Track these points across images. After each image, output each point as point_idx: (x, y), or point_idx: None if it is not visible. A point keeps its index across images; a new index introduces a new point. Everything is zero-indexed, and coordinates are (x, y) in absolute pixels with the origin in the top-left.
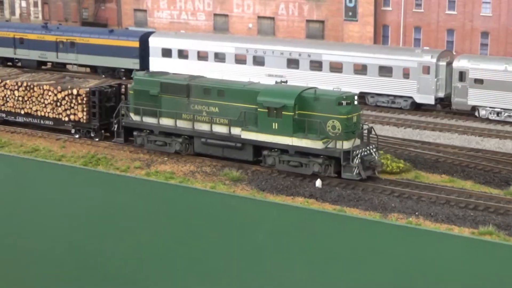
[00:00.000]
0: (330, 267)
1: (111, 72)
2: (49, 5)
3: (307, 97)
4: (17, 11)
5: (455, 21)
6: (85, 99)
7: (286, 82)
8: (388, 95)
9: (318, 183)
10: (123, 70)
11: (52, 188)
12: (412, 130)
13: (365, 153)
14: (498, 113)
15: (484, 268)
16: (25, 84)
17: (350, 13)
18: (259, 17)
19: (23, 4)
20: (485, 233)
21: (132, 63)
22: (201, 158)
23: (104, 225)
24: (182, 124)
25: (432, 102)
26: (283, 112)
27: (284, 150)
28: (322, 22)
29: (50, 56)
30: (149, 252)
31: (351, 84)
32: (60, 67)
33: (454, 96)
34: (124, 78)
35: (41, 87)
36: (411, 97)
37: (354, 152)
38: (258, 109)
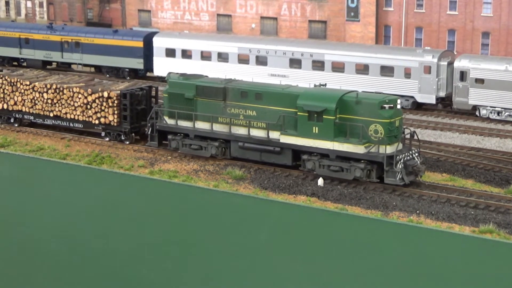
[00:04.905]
0: (332, 265)
1: (116, 71)
2: (54, 6)
3: (348, 100)
4: (23, 12)
5: (456, 21)
6: (116, 101)
7: (325, 85)
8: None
9: (320, 182)
10: (127, 69)
11: (57, 186)
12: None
13: (408, 157)
14: (498, 113)
15: (484, 266)
16: (54, 86)
17: (352, 14)
18: (262, 18)
19: (29, 4)
20: (486, 232)
21: (136, 63)
22: (203, 157)
23: (108, 223)
24: (218, 127)
25: (433, 101)
26: (324, 116)
27: (324, 154)
28: (324, 22)
29: (55, 56)
30: (152, 250)
31: (353, 84)
32: (65, 67)
33: (455, 95)
34: (128, 77)
35: (71, 90)
36: (412, 97)
37: (397, 157)
38: (298, 113)
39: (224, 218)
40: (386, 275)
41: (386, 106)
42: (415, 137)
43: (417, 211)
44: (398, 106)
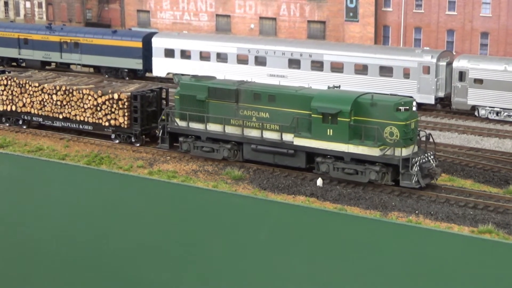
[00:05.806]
0: (331, 265)
1: (115, 72)
2: (53, 6)
3: (363, 102)
4: (22, 12)
5: (455, 21)
6: (126, 103)
7: (339, 87)
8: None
9: (319, 182)
10: (126, 70)
11: (56, 187)
12: None
13: (424, 160)
14: (497, 113)
15: (483, 267)
16: (64, 88)
17: (351, 14)
18: (261, 18)
19: (28, 5)
20: (485, 232)
21: (135, 63)
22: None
23: (106, 224)
24: (230, 130)
25: (432, 101)
26: (338, 118)
27: (338, 157)
28: (323, 22)
29: (54, 57)
30: (152, 250)
31: (352, 84)
32: (64, 67)
33: (454, 96)
34: (127, 78)
35: (80, 92)
36: (411, 97)
37: (413, 160)
38: (312, 115)
39: (223, 218)
40: (385, 275)
41: (402, 108)
42: (431, 140)
43: (416, 211)
44: (414, 108)
